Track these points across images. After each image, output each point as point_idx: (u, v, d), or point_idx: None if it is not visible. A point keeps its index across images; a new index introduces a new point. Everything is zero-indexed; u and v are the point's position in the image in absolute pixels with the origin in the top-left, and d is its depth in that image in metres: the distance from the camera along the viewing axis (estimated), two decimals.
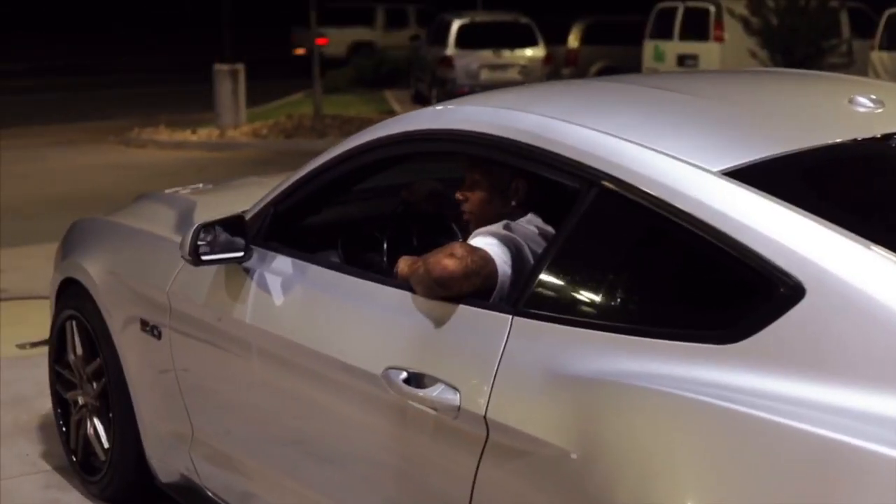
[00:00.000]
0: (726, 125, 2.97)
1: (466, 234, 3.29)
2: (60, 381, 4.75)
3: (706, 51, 18.48)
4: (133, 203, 4.94)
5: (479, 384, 2.73)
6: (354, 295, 3.24)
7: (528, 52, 20.96)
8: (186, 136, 16.59)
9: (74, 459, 4.68)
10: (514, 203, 3.32)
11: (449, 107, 3.35)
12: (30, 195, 11.69)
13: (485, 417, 2.69)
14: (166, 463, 4.15)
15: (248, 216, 3.70)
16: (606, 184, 2.71)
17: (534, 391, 2.62)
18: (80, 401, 4.60)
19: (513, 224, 3.20)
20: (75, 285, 4.50)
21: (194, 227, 3.51)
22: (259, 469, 3.66)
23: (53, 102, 21.97)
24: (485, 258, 2.95)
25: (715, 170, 2.61)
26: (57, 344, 4.73)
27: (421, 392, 2.83)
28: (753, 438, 2.22)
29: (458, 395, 2.76)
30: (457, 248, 2.94)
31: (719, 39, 18.34)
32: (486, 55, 20.56)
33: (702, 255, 2.54)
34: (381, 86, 23.97)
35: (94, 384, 4.47)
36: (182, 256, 3.54)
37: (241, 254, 3.55)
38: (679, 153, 2.68)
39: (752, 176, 2.58)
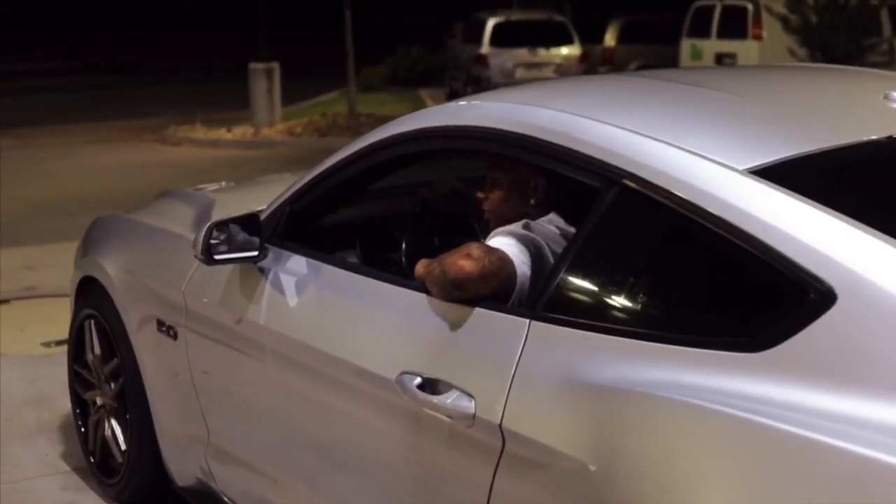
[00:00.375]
0: (755, 121, 2.84)
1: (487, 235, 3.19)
2: (79, 381, 4.68)
3: (744, 49, 18.26)
4: (154, 200, 4.87)
5: (494, 391, 2.62)
6: (369, 296, 3.15)
7: (564, 50, 20.83)
8: (221, 134, 16.59)
9: (92, 461, 4.61)
10: (533, 202, 3.21)
11: (468, 102, 3.24)
12: (63, 193, 11.69)
13: (500, 426, 2.58)
14: (182, 466, 4.07)
15: (263, 215, 3.62)
16: (628, 182, 2.60)
17: (551, 399, 2.51)
18: (99, 401, 4.53)
19: (532, 224, 3.09)
20: (94, 284, 4.43)
21: (207, 225, 3.42)
22: (274, 475, 3.57)
23: (91, 101, 22.05)
24: (503, 259, 2.85)
25: (741, 168, 2.48)
26: (75, 343, 4.66)
27: (435, 399, 2.73)
28: (780, 454, 2.10)
29: (474, 402, 2.65)
30: (473, 248, 2.84)
31: (758, 38, 18.11)
32: (522, 53, 20.44)
33: (727, 258, 2.42)
34: (417, 85, 23.90)
35: (112, 384, 4.40)
36: (195, 256, 3.45)
37: (255, 253, 3.46)
38: (704, 151, 2.56)
39: (780, 175, 2.45)
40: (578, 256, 2.68)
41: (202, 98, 21.31)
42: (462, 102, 3.26)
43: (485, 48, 20.44)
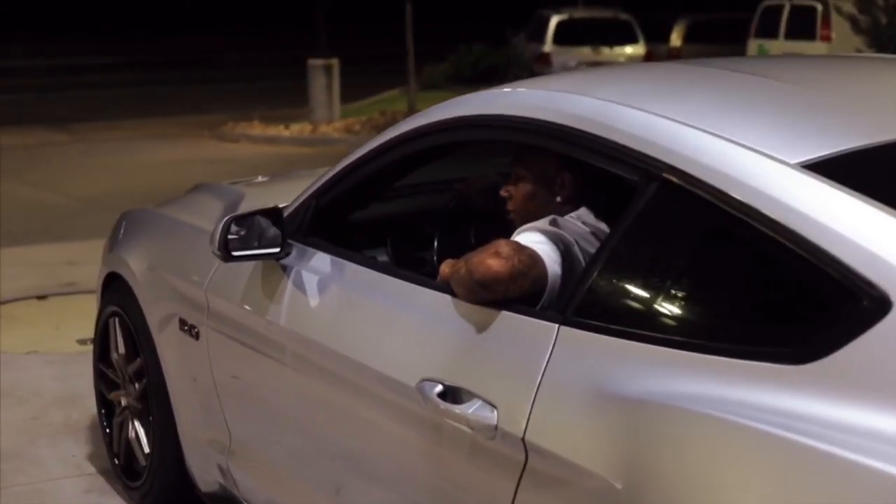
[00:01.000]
0: (809, 112, 2.59)
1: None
2: (104, 381, 4.52)
3: (812, 50, 17.82)
4: (186, 194, 4.69)
5: (518, 402, 2.40)
6: (393, 298, 2.94)
7: (628, 49, 20.54)
8: (279, 130, 16.48)
9: (117, 463, 4.45)
10: (559, 199, 2.99)
11: (502, 90, 3.02)
12: (114, 188, 11.60)
13: (523, 440, 2.37)
14: (205, 471, 3.89)
15: (288, 209, 3.42)
16: (668, 177, 2.37)
17: (578, 412, 2.29)
18: (123, 402, 4.36)
19: (560, 220, 2.87)
20: (118, 280, 4.27)
21: (224, 219, 3.22)
22: (297, 483, 3.37)
23: (149, 97, 22.06)
24: (533, 258, 2.63)
25: (793, 162, 2.25)
26: (101, 341, 4.50)
27: (457, 408, 2.52)
28: (826, 478, 1.87)
29: (496, 412, 2.44)
30: (502, 246, 2.61)
31: (826, 39, 17.69)
32: (585, 52, 20.17)
33: (774, 261, 2.19)
34: (479, 82, 23.55)
35: (136, 385, 4.23)
36: (212, 252, 3.26)
37: (276, 249, 3.26)
38: (752, 142, 2.32)
39: (835, 169, 2.21)
40: (613, 257, 2.46)
41: (261, 94, 21.25)
42: (498, 90, 3.04)
43: (548, 46, 20.21)
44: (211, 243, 3.24)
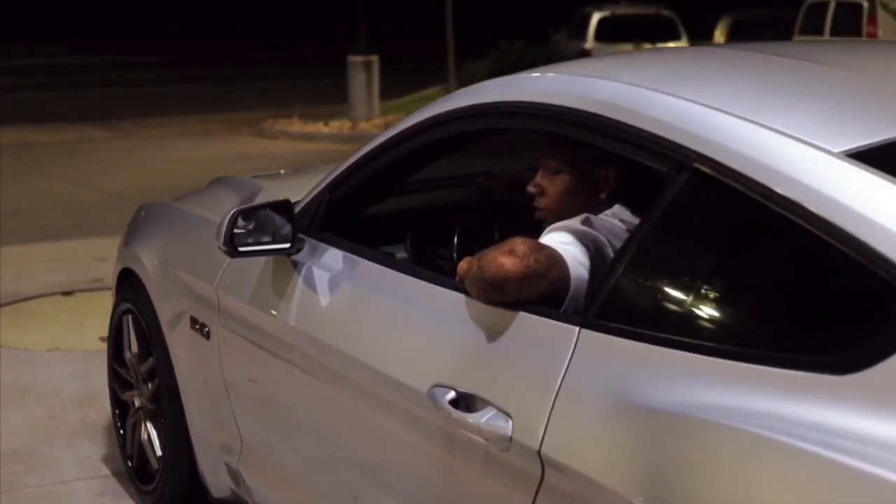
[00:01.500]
0: (856, 97, 2.37)
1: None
2: (118, 380, 4.36)
3: None
4: (205, 187, 4.53)
5: (534, 411, 2.21)
6: (406, 297, 2.75)
7: (671, 46, 20.22)
8: (318, 127, 16.34)
9: (130, 465, 4.29)
10: (603, 196, 2.79)
11: (522, 75, 2.82)
12: (150, 185, 11.46)
13: (539, 453, 2.18)
14: (217, 477, 3.72)
15: (302, 203, 3.25)
16: (699, 166, 2.17)
17: (599, 423, 2.10)
18: (137, 402, 4.20)
19: (594, 219, 2.66)
20: (132, 276, 4.11)
21: (231, 212, 3.05)
22: (310, 492, 3.19)
23: (189, 94, 21.97)
24: (553, 258, 2.42)
25: (837, 151, 2.04)
26: (114, 340, 4.34)
27: (469, 417, 2.32)
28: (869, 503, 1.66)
29: (511, 423, 2.25)
30: (518, 244, 2.41)
31: (872, 35, 17.34)
32: (627, 49, 19.86)
33: (816, 259, 1.98)
34: None
35: (149, 385, 4.06)
36: (218, 247, 3.08)
37: (286, 245, 3.08)
38: (791, 130, 2.12)
39: (883, 159, 2.00)
40: (639, 254, 2.25)
41: (301, 92, 21.09)
42: (517, 75, 2.84)
43: (589, 43, 19.92)
44: (217, 238, 3.06)
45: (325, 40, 29.92)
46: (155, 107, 19.47)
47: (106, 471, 4.50)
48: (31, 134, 15.71)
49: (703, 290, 2.15)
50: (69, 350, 5.92)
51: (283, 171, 4.87)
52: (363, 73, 16.90)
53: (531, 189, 2.87)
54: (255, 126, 16.62)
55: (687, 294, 2.16)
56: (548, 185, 2.84)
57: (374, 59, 16.99)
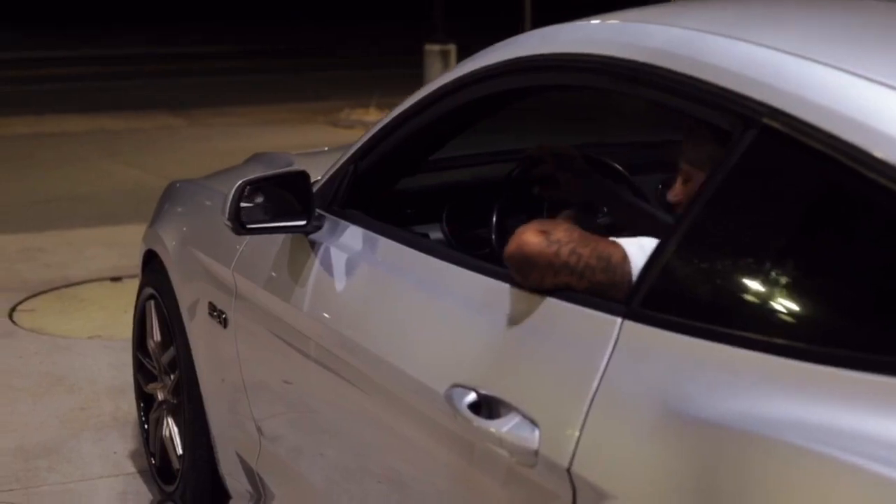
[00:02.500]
0: None
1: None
2: (142, 371, 4.03)
3: None
4: (241, 163, 4.18)
5: (565, 420, 1.82)
6: (434, 282, 2.35)
7: None
8: None
9: (153, 463, 3.96)
10: None
11: (565, 25, 2.40)
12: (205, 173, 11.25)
13: (569, 471, 1.79)
14: (236, 479, 3.38)
15: (324, 176, 2.89)
16: (769, 122, 1.75)
17: (641, 437, 1.70)
18: (160, 396, 3.87)
19: None
20: (156, 259, 3.78)
21: (238, 183, 2.68)
22: (331, 497, 2.83)
23: (267, 84, 21.78)
24: (604, 258, 1.94)
25: None
26: (138, 327, 4.02)
27: (491, 426, 1.93)
28: None
29: (538, 432, 1.86)
30: (560, 226, 1.98)
31: None
32: None
33: None
34: None
35: (171, 377, 3.73)
36: (224, 223, 2.72)
37: (302, 222, 2.70)
38: (882, 76, 1.70)
39: None
40: (697, 229, 1.84)
41: (378, 81, 20.80)
42: (560, 25, 2.42)
43: None
44: (222, 213, 2.70)
45: (402, 32, 29.65)
46: (231, 96, 19.30)
47: (131, 468, 4.19)
48: (106, 122, 15.60)
49: (773, 275, 1.73)
50: (109, 338, 5.62)
51: (326, 149, 4.51)
52: (440, 62, 16.57)
53: (672, 199, 2.33)
54: (330, 116, 16.38)
55: (754, 279, 1.75)
56: (695, 175, 2.27)
57: (452, 47, 16.65)
